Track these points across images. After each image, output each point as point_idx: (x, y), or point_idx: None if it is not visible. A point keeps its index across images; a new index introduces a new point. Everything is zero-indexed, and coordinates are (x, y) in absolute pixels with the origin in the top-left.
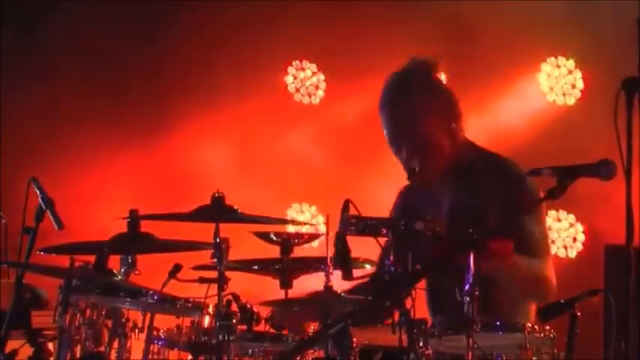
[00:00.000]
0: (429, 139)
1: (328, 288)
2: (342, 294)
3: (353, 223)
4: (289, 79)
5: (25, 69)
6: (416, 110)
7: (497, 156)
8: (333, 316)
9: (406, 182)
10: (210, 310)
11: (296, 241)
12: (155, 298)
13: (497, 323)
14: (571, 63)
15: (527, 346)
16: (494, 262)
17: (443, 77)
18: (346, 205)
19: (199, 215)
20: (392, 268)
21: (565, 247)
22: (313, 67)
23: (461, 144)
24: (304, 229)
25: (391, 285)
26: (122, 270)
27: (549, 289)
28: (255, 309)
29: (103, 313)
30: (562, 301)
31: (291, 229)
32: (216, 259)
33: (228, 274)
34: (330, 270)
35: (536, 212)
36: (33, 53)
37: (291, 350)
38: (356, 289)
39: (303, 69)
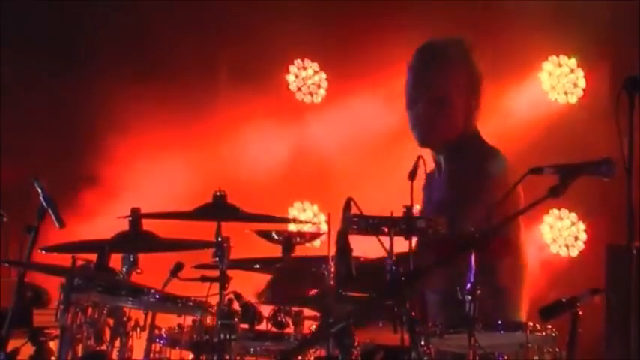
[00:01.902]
0: (447, 100)
1: (329, 287)
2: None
3: (354, 222)
4: (291, 77)
5: (25, 69)
6: (444, 68)
7: (480, 146)
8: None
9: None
10: (212, 308)
11: (298, 239)
12: (157, 296)
13: (499, 322)
14: (573, 62)
15: (529, 344)
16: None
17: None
18: (348, 203)
19: (201, 214)
20: (393, 268)
21: (567, 246)
22: (315, 65)
23: (471, 133)
24: (306, 228)
25: (393, 284)
26: (124, 269)
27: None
28: (257, 307)
29: (105, 311)
30: (564, 300)
31: (292, 227)
32: (217, 258)
33: (229, 272)
34: (332, 269)
35: (477, 190)
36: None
37: (292, 349)
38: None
39: (304, 68)
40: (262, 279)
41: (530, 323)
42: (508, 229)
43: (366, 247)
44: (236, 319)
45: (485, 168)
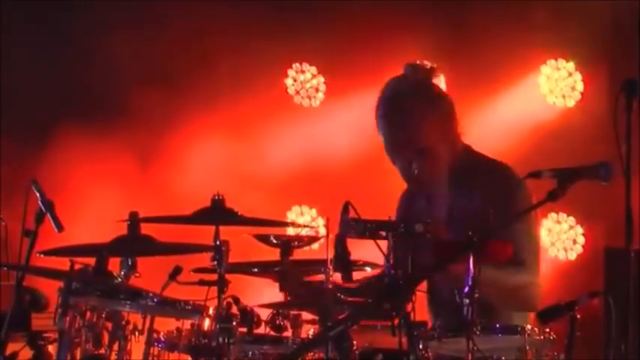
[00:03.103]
0: (428, 148)
1: (328, 291)
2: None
3: (353, 226)
4: (289, 81)
5: (26, 68)
6: (414, 120)
7: (495, 161)
8: (334, 317)
9: (405, 186)
10: (211, 312)
11: (296, 243)
12: (155, 300)
13: (497, 326)
14: (571, 65)
15: (527, 348)
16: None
17: (442, 80)
18: (346, 207)
19: (199, 218)
20: (392, 271)
21: (565, 250)
22: (313, 69)
23: (459, 149)
24: (304, 232)
25: (391, 287)
26: (122, 272)
27: (530, 300)
28: (254, 311)
29: (103, 315)
30: (562, 303)
31: (291, 231)
32: (216, 262)
33: (228, 276)
34: (330, 272)
35: (529, 221)
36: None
37: (291, 353)
38: (360, 288)
39: (303, 71)
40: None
41: (529, 327)
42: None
43: (364, 251)
44: (234, 323)
45: (522, 190)
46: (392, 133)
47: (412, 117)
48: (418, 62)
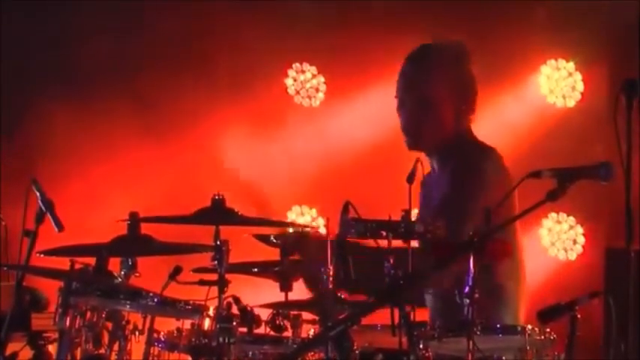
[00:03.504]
0: (428, 100)
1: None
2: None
3: (353, 226)
4: (289, 81)
5: (26, 68)
6: (430, 70)
7: (474, 145)
8: (334, 318)
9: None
10: (211, 312)
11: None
12: (155, 300)
13: (497, 326)
14: (571, 65)
15: (528, 348)
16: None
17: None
18: (346, 207)
19: (199, 218)
20: (392, 271)
21: (565, 250)
22: (313, 69)
23: (463, 132)
24: None
25: (391, 287)
26: (122, 272)
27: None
28: (255, 311)
29: (103, 315)
30: (562, 303)
31: (291, 231)
32: (216, 262)
33: (228, 276)
34: (330, 272)
35: (465, 202)
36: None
37: (291, 353)
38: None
39: (303, 71)
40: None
41: (529, 326)
42: (505, 231)
43: None
44: (234, 323)
45: (481, 166)
46: (405, 77)
47: (428, 66)
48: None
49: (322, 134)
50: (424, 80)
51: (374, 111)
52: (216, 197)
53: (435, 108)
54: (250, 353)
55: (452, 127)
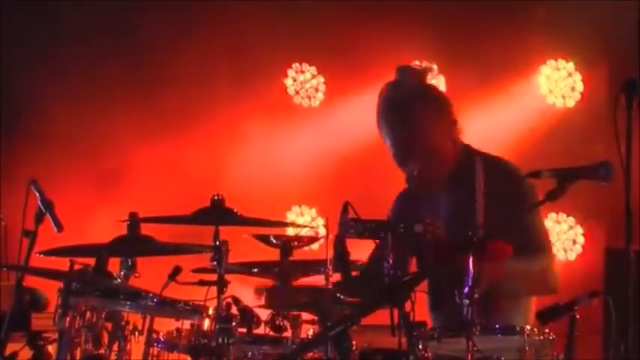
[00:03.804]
0: (435, 148)
1: (327, 291)
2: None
3: (352, 226)
4: (289, 81)
5: (26, 68)
6: (418, 121)
7: (494, 157)
8: (333, 318)
9: (401, 188)
10: (210, 312)
11: (295, 243)
12: (155, 300)
13: (497, 326)
14: (570, 65)
15: (527, 348)
16: (493, 265)
17: (442, 81)
18: (345, 207)
19: (199, 218)
20: (391, 271)
21: (565, 250)
22: (313, 69)
23: (459, 148)
24: (304, 232)
25: (391, 287)
26: (122, 273)
27: (551, 283)
28: (254, 311)
29: (103, 315)
30: (562, 303)
31: (290, 231)
32: (215, 262)
33: (227, 276)
34: (330, 272)
35: (538, 210)
36: (34, 54)
37: (290, 353)
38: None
39: (302, 71)
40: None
41: (528, 327)
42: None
43: (363, 251)
44: (234, 323)
45: (527, 182)
46: (398, 137)
47: (415, 119)
48: (411, 65)
49: (322, 134)
50: (422, 133)
51: (373, 111)
52: (216, 197)
53: (440, 151)
54: (250, 353)
55: (452, 155)
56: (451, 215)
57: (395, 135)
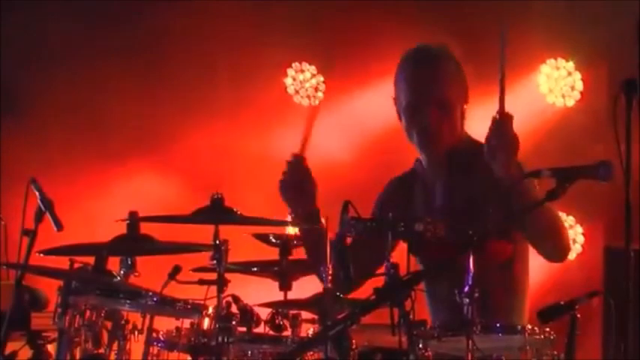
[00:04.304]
0: (450, 104)
1: (327, 290)
2: None
3: (352, 225)
4: (289, 80)
5: (26, 68)
6: (441, 73)
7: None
8: (333, 317)
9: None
10: (210, 311)
11: (295, 242)
12: (154, 299)
13: (497, 325)
14: (570, 65)
15: (527, 347)
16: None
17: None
18: (346, 206)
19: (199, 217)
20: (391, 270)
21: None
22: (312, 68)
23: (464, 137)
24: None
25: (390, 286)
26: (121, 272)
27: (568, 239)
28: (254, 311)
29: (103, 314)
30: (562, 302)
31: (290, 230)
32: (215, 261)
33: (227, 275)
34: (329, 272)
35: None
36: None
37: (290, 352)
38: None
39: (302, 71)
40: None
41: (529, 326)
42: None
43: None
44: (234, 322)
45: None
46: (416, 86)
47: (439, 71)
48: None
49: (322, 134)
50: (441, 83)
51: (373, 110)
52: (216, 196)
53: (451, 111)
54: (249, 352)
55: (461, 130)
56: (451, 204)
57: (414, 81)
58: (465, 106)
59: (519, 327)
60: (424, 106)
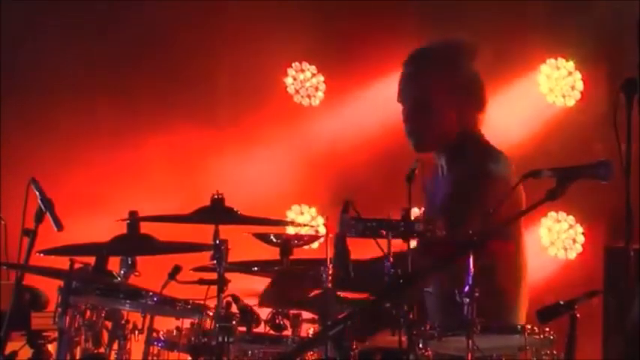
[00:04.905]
0: (429, 100)
1: (327, 290)
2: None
3: (352, 225)
4: (289, 80)
5: (25, 68)
6: (424, 74)
7: (482, 147)
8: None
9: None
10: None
11: (295, 242)
12: (155, 299)
13: (497, 325)
14: (571, 64)
15: (527, 347)
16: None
17: None
18: (346, 206)
19: (199, 217)
20: (392, 270)
21: (565, 249)
22: (313, 68)
23: (470, 134)
24: (304, 231)
25: (391, 286)
26: (122, 271)
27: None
28: (254, 310)
29: (103, 314)
30: (562, 302)
31: (290, 230)
32: (215, 261)
33: (227, 275)
34: (330, 271)
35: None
36: (32, 54)
37: (290, 352)
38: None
39: (302, 70)
40: (263, 282)
41: (529, 326)
42: (508, 231)
43: (364, 249)
44: (234, 322)
45: (487, 168)
46: (399, 86)
47: (422, 67)
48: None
49: (322, 133)
50: (419, 82)
51: (373, 110)
52: (216, 196)
53: (432, 109)
54: (250, 352)
55: (454, 128)
56: (429, 202)
57: (399, 81)
58: (463, 106)
59: (519, 327)
60: (403, 105)
